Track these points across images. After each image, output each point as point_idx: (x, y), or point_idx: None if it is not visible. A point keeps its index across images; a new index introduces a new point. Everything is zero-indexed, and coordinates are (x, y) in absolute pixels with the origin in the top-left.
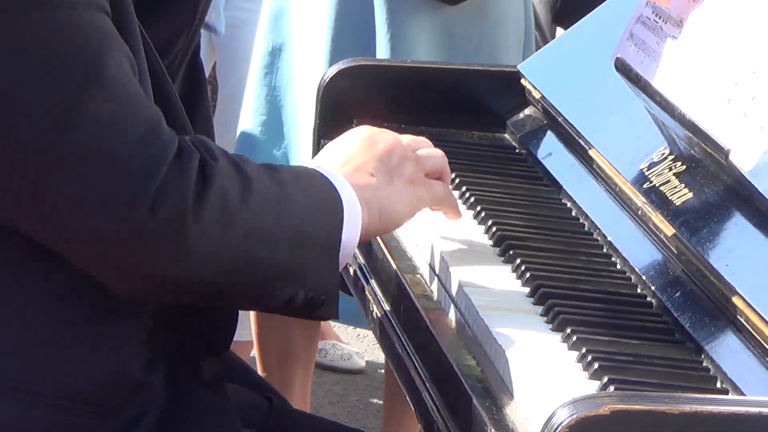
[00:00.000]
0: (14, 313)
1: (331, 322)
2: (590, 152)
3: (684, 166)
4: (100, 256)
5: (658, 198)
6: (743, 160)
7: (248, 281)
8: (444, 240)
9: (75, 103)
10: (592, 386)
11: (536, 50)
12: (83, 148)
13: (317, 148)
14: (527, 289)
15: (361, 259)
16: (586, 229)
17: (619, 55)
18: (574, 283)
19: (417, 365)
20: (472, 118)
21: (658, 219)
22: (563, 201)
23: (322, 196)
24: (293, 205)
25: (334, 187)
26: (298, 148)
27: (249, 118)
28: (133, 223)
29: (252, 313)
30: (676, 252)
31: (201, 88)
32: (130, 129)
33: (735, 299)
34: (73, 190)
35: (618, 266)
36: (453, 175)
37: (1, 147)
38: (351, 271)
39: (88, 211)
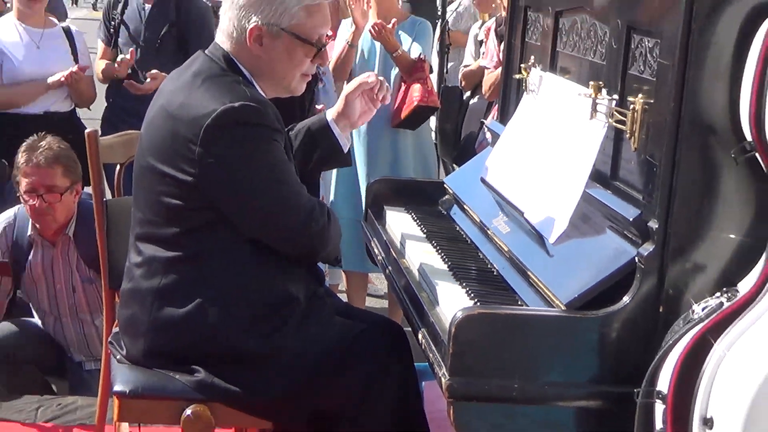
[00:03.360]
0: (237, 271)
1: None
2: (473, 216)
3: (508, 219)
4: (292, 246)
5: (498, 232)
6: (532, 216)
7: (332, 252)
8: (416, 248)
9: (281, 193)
10: (471, 303)
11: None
12: (286, 213)
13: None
14: (447, 266)
15: (383, 253)
16: (469, 243)
17: (482, 176)
18: (464, 264)
19: (402, 293)
20: (425, 202)
21: (497, 240)
22: (462, 233)
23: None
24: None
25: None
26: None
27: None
28: (308, 234)
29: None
30: (504, 253)
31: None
32: (304, 199)
33: (527, 272)
34: (285, 226)
35: (481, 257)
36: (418, 222)
37: (251, 213)
38: (377, 257)
39: (291, 233)
